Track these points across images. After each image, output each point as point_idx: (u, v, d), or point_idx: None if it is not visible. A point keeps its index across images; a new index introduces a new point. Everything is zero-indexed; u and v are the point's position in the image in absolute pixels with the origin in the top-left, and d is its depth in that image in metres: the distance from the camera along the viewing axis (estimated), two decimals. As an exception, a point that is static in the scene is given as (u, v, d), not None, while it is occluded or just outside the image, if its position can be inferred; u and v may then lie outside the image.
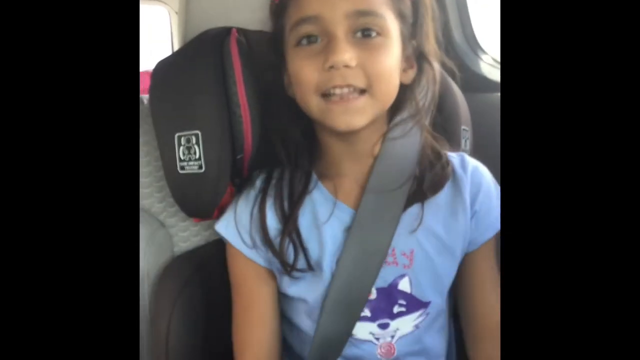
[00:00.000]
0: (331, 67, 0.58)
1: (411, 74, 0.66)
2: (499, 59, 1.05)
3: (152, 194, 0.78)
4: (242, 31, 0.74)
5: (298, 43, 0.61)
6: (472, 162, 0.70)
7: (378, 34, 0.59)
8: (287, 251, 0.64)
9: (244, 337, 0.67)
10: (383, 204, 0.64)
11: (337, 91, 0.59)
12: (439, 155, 0.68)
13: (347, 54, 0.57)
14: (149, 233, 0.78)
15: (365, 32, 0.59)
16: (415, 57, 0.66)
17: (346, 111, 0.59)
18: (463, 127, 0.80)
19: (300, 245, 0.64)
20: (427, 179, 0.66)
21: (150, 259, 0.77)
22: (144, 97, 0.79)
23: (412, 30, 0.64)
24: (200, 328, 0.66)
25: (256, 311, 0.68)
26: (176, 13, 1.99)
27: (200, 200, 0.69)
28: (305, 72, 0.60)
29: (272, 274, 0.68)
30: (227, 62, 0.69)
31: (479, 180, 0.68)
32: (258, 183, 0.69)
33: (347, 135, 0.64)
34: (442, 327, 0.71)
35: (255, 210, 0.67)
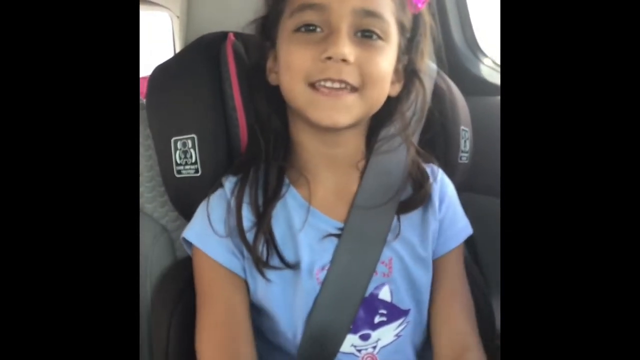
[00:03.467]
0: (329, 58, 0.56)
1: (397, 87, 0.65)
2: (499, 62, 1.05)
3: (154, 199, 0.79)
4: (240, 35, 0.74)
5: (297, 29, 0.59)
6: (440, 172, 0.71)
7: (379, 37, 0.59)
8: (260, 248, 0.62)
9: (218, 346, 0.61)
10: (373, 219, 0.64)
11: (328, 84, 0.57)
12: (423, 174, 0.68)
13: (346, 48, 0.56)
14: (151, 238, 0.78)
15: (366, 33, 0.59)
16: (406, 73, 0.66)
17: (333, 106, 0.58)
18: (462, 127, 0.80)
19: (273, 245, 0.62)
20: (411, 195, 0.67)
21: (152, 264, 0.77)
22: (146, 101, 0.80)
23: (408, 45, 0.64)
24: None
25: (233, 318, 0.62)
26: (178, 17, 2.00)
27: (197, 204, 0.69)
28: (298, 58, 0.58)
29: (243, 282, 0.64)
30: (223, 66, 0.69)
31: (444, 190, 0.70)
32: (227, 182, 0.66)
33: (326, 136, 0.63)
34: (421, 339, 0.69)
35: (232, 202, 0.64)
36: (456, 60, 1.06)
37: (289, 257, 0.63)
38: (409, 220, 0.66)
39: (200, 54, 0.71)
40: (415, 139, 0.69)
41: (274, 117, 0.66)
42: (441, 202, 0.69)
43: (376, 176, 0.65)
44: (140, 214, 0.78)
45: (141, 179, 0.77)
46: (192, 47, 0.73)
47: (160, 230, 0.79)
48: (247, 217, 0.63)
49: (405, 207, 0.66)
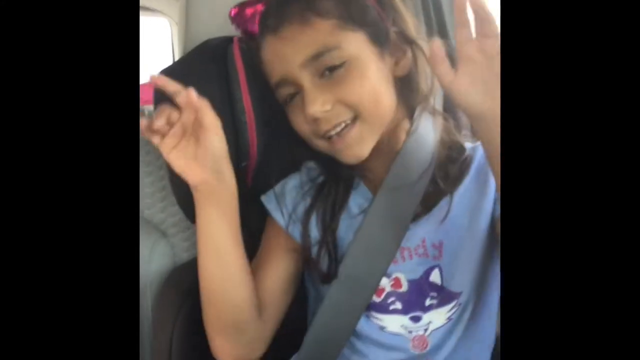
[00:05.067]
0: (312, 119, 0.60)
1: (406, 62, 0.64)
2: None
3: (154, 204, 0.79)
4: (243, 40, 0.74)
5: (284, 102, 0.63)
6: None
7: (342, 64, 0.59)
8: (322, 260, 0.64)
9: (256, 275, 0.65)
10: (398, 200, 0.64)
11: (332, 132, 0.60)
12: (456, 145, 0.67)
13: (317, 103, 0.59)
14: (150, 243, 0.78)
15: (329, 69, 0.59)
16: (403, 44, 0.64)
17: (347, 146, 0.61)
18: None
19: (335, 257, 0.64)
20: (448, 173, 0.65)
21: (152, 269, 0.77)
22: (146, 107, 0.80)
23: (381, 26, 0.62)
24: (203, 339, 0.65)
25: (274, 265, 0.66)
26: (176, 24, 2.01)
27: None
28: (297, 124, 0.63)
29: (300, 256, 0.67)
30: (231, 68, 0.69)
31: None
32: (310, 172, 0.69)
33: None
34: (473, 321, 0.68)
35: (301, 209, 0.66)
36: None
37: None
38: (461, 200, 0.64)
39: (207, 56, 0.70)
40: (437, 103, 0.69)
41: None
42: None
43: (408, 156, 0.65)
44: (140, 219, 0.78)
45: (140, 184, 0.77)
46: (198, 51, 0.73)
47: (159, 235, 0.79)
48: (313, 232, 0.65)
49: (447, 187, 0.64)
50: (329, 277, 0.63)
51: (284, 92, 0.62)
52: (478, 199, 0.65)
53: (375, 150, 0.63)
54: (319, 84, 0.59)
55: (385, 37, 0.63)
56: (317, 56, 0.59)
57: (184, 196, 0.71)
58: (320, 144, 0.63)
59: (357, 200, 0.66)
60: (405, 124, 0.66)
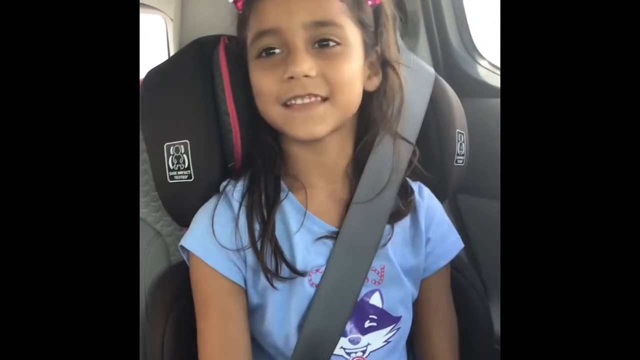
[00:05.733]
0: (291, 77, 0.58)
1: (376, 81, 0.66)
2: (496, 63, 1.04)
3: (148, 204, 0.78)
4: (234, 38, 0.73)
5: (259, 55, 0.62)
6: (427, 190, 0.72)
7: (337, 43, 0.60)
8: (266, 257, 0.62)
9: (218, 357, 0.62)
10: (367, 219, 0.65)
11: (299, 101, 0.60)
12: (406, 187, 0.69)
13: (306, 64, 0.58)
14: (145, 242, 0.77)
15: (323, 42, 0.60)
16: (380, 64, 0.66)
17: (307, 119, 0.60)
18: (458, 130, 0.80)
19: (279, 252, 0.63)
20: (398, 201, 0.68)
21: (146, 269, 0.77)
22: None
23: (374, 37, 0.65)
24: (195, 337, 0.65)
25: (231, 329, 0.63)
26: (172, 20, 2.00)
27: (190, 210, 0.68)
28: (265, 83, 0.61)
29: (242, 293, 0.65)
30: (215, 70, 0.69)
31: (434, 208, 0.71)
32: (235, 192, 0.66)
33: (313, 145, 0.64)
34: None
35: (242, 215, 0.64)
36: (452, 61, 1.06)
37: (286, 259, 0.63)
38: (402, 231, 0.68)
39: (194, 57, 0.70)
40: (412, 133, 0.70)
41: (264, 132, 0.67)
42: (429, 223, 0.70)
43: (369, 175, 0.66)
44: (134, 218, 0.77)
45: (135, 183, 0.77)
46: (186, 51, 0.73)
47: (154, 234, 0.78)
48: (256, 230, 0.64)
49: (396, 214, 0.67)
50: (275, 274, 0.62)
51: (265, 42, 0.61)
52: (412, 236, 0.69)
53: (318, 159, 0.65)
54: (310, 50, 0.59)
55: (371, 49, 0.65)
56: (321, 24, 0.59)
57: (171, 200, 0.71)
58: (276, 112, 0.62)
59: (291, 212, 0.65)
60: (350, 143, 0.67)
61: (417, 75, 0.74)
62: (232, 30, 0.70)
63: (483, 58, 1.07)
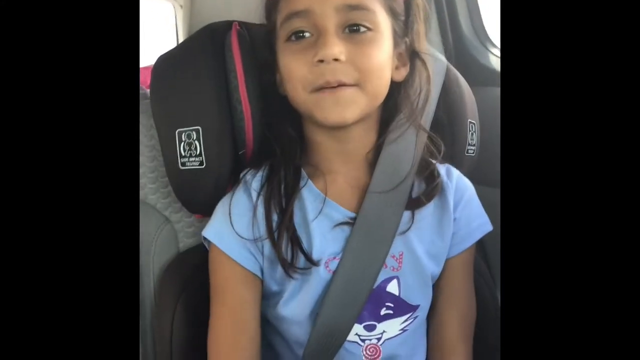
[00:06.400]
0: (321, 60, 0.58)
1: (404, 72, 0.66)
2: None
3: (158, 190, 0.78)
4: (244, 25, 0.73)
5: (288, 38, 0.61)
6: (456, 172, 0.71)
7: (368, 29, 0.59)
8: (283, 247, 0.63)
9: (228, 342, 0.64)
10: (384, 206, 0.64)
11: (328, 86, 0.59)
12: (430, 167, 0.68)
13: (336, 48, 0.57)
14: (154, 229, 0.78)
15: (354, 27, 0.59)
16: (408, 55, 0.66)
17: (337, 102, 0.59)
18: (470, 120, 0.79)
19: (296, 242, 0.63)
20: (422, 187, 0.67)
21: (156, 255, 0.77)
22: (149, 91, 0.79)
23: (404, 27, 0.64)
24: (203, 323, 0.65)
25: (243, 316, 0.64)
26: (181, 7, 1.99)
27: (201, 197, 0.68)
28: (294, 67, 0.60)
29: (257, 281, 0.66)
30: (228, 56, 0.68)
31: (462, 189, 0.70)
32: (254, 182, 0.66)
33: (338, 133, 0.64)
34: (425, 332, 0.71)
35: (260, 205, 0.64)
36: (464, 50, 1.05)
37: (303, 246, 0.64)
38: (424, 217, 0.67)
39: (205, 43, 0.70)
40: (426, 123, 0.69)
41: (283, 121, 0.67)
42: (457, 203, 0.69)
43: (387, 164, 0.66)
44: (144, 204, 0.78)
45: (144, 169, 0.77)
46: (197, 37, 0.72)
47: (163, 221, 0.79)
48: (274, 220, 0.64)
49: (416, 202, 0.66)
50: (292, 265, 0.62)
51: (295, 25, 0.60)
52: (439, 219, 0.67)
53: (341, 148, 0.65)
54: (341, 35, 0.59)
55: (400, 39, 0.64)
56: (353, 7, 0.58)
57: (182, 187, 0.71)
58: (305, 97, 0.61)
59: (309, 199, 0.65)
60: (374, 132, 0.67)
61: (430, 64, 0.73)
62: (243, 17, 0.70)
63: (495, 46, 1.06)
